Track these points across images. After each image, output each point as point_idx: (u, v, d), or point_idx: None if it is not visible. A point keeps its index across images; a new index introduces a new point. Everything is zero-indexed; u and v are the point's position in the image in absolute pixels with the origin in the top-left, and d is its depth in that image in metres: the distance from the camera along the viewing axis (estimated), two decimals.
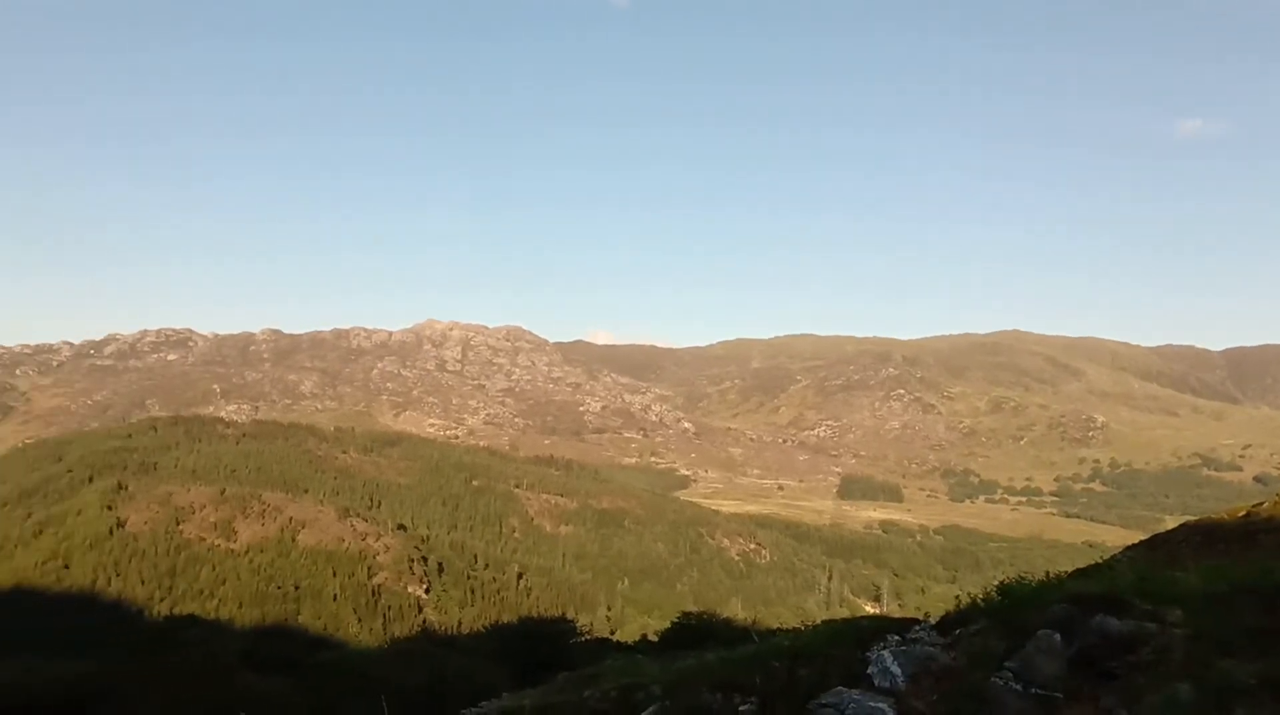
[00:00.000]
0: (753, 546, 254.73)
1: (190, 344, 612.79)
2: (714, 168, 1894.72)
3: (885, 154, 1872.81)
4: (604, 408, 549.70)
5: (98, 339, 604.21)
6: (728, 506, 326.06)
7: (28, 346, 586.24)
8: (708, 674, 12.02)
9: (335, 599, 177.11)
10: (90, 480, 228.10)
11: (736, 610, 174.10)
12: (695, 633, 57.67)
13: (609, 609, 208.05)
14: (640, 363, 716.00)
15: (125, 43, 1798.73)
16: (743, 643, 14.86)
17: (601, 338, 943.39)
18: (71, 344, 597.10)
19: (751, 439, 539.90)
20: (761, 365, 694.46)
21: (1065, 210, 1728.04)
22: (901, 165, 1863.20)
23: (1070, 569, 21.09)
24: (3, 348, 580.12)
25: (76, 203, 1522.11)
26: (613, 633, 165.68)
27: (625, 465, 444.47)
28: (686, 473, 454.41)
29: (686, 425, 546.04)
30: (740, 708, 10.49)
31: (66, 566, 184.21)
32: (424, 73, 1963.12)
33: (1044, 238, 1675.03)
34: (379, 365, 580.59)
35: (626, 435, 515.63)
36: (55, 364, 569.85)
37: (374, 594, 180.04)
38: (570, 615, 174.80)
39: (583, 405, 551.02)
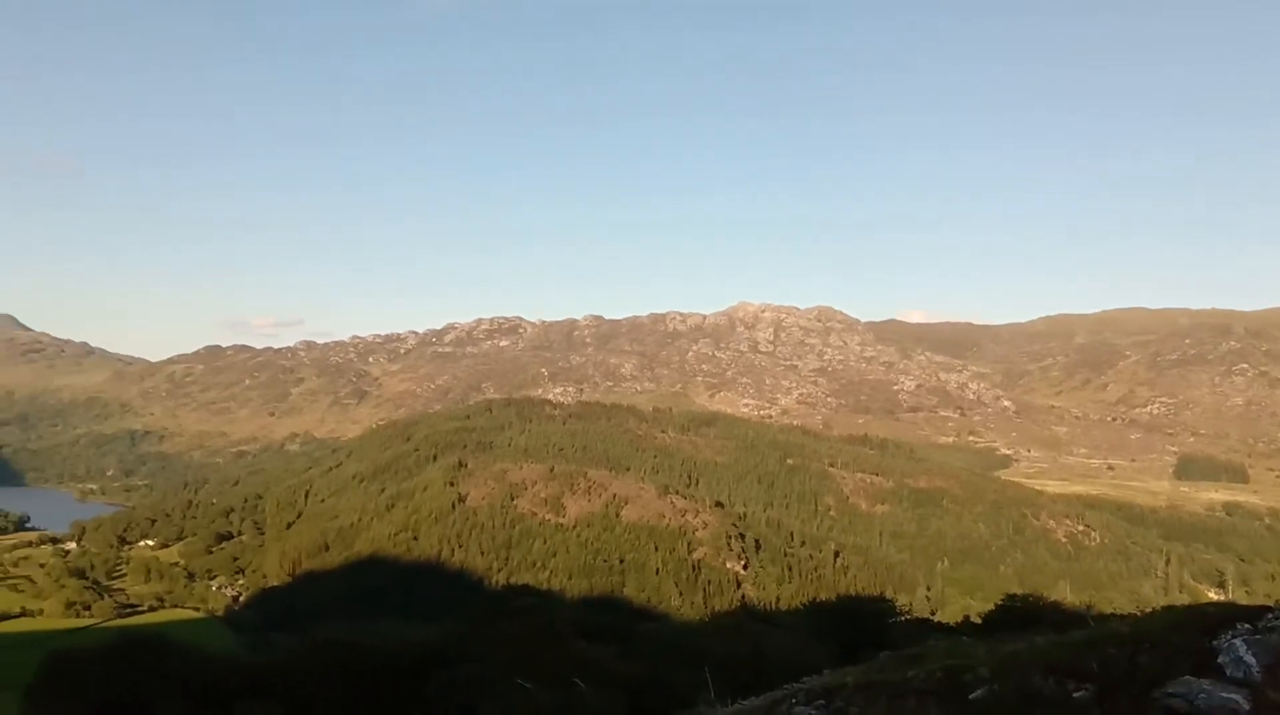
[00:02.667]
0: (1081, 528, 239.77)
1: (520, 331, 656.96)
2: (1030, 145, 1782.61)
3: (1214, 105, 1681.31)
4: (918, 386, 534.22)
5: (439, 328, 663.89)
6: (1053, 487, 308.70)
7: (379, 336, 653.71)
8: (1039, 658, 11.52)
9: (657, 572, 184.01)
10: (435, 458, 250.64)
11: (1065, 594, 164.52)
12: (1022, 616, 54.91)
13: (929, 589, 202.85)
14: (956, 340, 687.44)
15: (457, 45, 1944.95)
16: (1074, 627, 14.11)
17: (915, 316, 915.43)
18: (416, 333, 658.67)
19: (1077, 417, 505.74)
20: (1086, 341, 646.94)
21: None
22: (1235, 117, 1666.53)
23: None
24: (358, 338, 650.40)
25: (415, 201, 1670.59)
26: (933, 613, 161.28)
27: (941, 444, 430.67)
28: (1007, 452, 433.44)
29: (1006, 403, 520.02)
30: (1074, 694, 9.99)
31: (415, 538, 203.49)
32: (740, 58, 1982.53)
33: None
34: (694, 348, 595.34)
35: (942, 414, 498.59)
36: (403, 352, 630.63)
37: (694, 569, 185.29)
38: (888, 594, 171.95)
39: (896, 384, 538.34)
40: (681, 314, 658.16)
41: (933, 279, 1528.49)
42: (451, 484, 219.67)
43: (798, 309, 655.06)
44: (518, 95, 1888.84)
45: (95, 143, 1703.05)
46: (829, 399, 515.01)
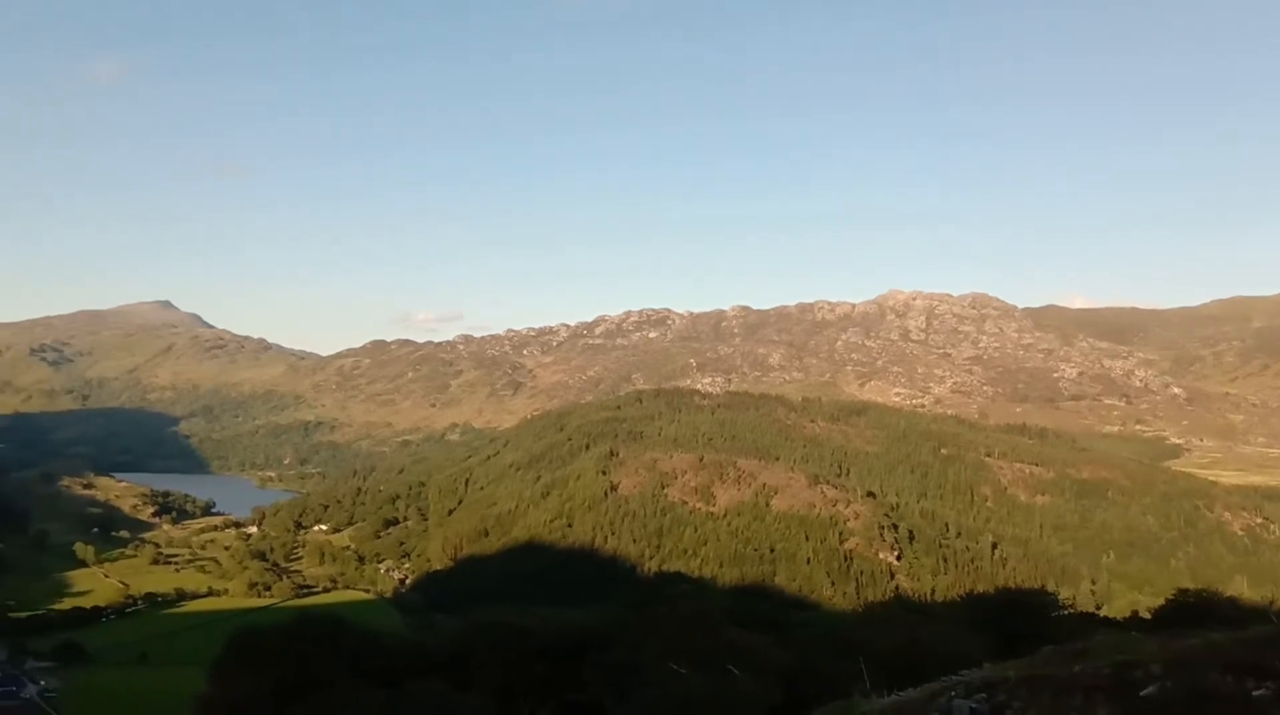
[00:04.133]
0: (1259, 521, 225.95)
1: (669, 322, 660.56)
2: (1197, 129, 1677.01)
3: None
4: (1080, 374, 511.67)
5: (589, 321, 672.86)
6: (1228, 477, 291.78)
7: (533, 330, 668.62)
8: (1216, 655, 11.15)
9: (809, 562, 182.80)
10: (587, 447, 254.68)
11: (1242, 589, 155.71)
12: (1195, 612, 52.25)
13: (1093, 583, 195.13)
14: (1120, 326, 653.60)
15: (604, 41, 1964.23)
16: (1254, 624, 13.52)
17: (1076, 301, 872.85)
18: (568, 326, 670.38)
19: (1254, 404, 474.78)
20: (1264, 324, 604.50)
21: None
22: None
23: None
24: (513, 331, 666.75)
25: (566, 196, 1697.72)
26: (1098, 607, 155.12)
27: (1105, 433, 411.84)
28: (1178, 441, 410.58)
29: (1176, 391, 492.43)
30: (1254, 693, 9.67)
31: (570, 524, 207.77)
32: (873, 49, 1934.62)
33: None
34: (843, 337, 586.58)
35: (1106, 402, 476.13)
36: (555, 344, 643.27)
37: (846, 559, 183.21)
38: (1050, 588, 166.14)
39: (1056, 371, 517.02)
40: (830, 303, 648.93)
41: (1094, 263, 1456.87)
42: (604, 472, 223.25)
43: (951, 296, 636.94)
44: (663, 90, 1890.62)
45: (267, 146, 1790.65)
46: (985, 388, 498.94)
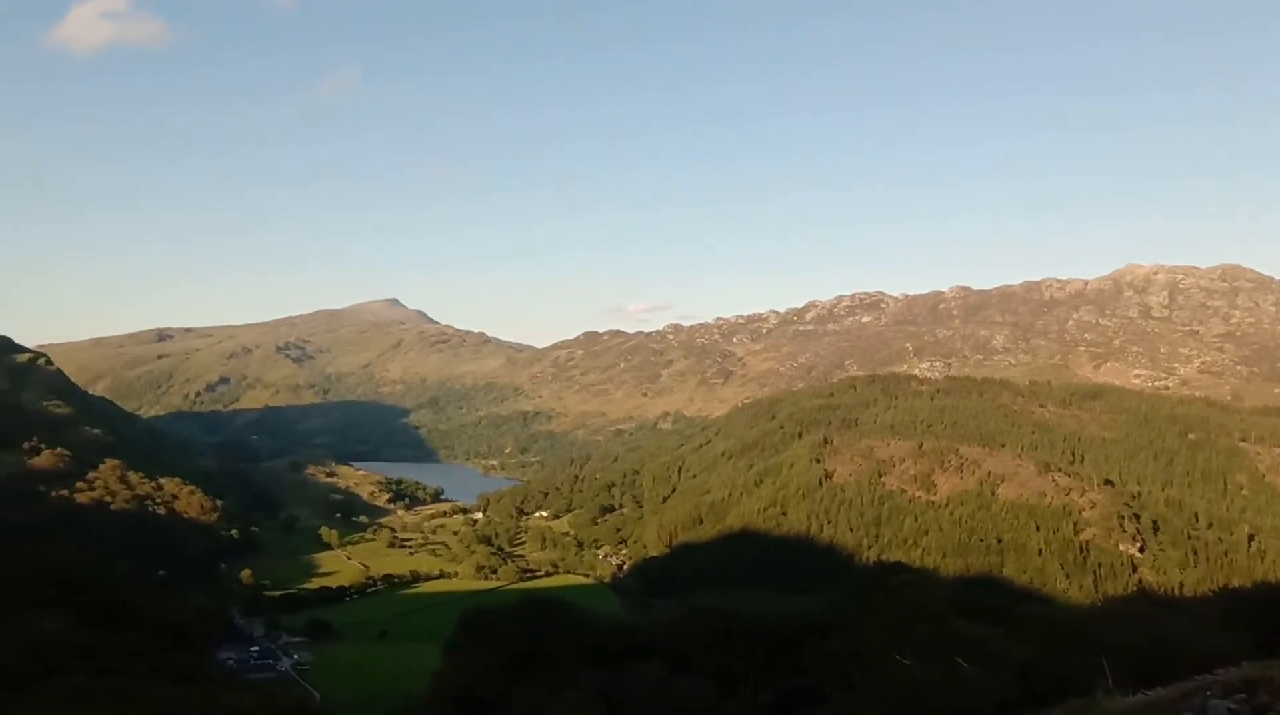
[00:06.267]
0: None
1: (882, 306, 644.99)
2: None
3: None
4: None
5: (799, 307, 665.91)
6: None
7: (741, 317, 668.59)
8: None
9: (1040, 553, 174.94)
10: (800, 435, 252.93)
11: None
12: None
13: None
14: None
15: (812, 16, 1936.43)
16: None
17: None
18: (777, 312, 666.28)
19: None
20: None
21: None
22: None
23: None
24: (722, 319, 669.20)
25: (790, 180, 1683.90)
26: None
27: None
28: None
29: None
30: None
31: (784, 513, 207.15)
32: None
33: None
34: (1074, 316, 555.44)
35: None
36: (765, 331, 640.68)
37: (1081, 550, 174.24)
38: None
39: None
40: (1059, 281, 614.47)
41: None
42: (817, 460, 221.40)
43: (1197, 269, 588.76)
44: (875, 69, 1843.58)
45: (471, 143, 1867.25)
46: (1238, 367, 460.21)
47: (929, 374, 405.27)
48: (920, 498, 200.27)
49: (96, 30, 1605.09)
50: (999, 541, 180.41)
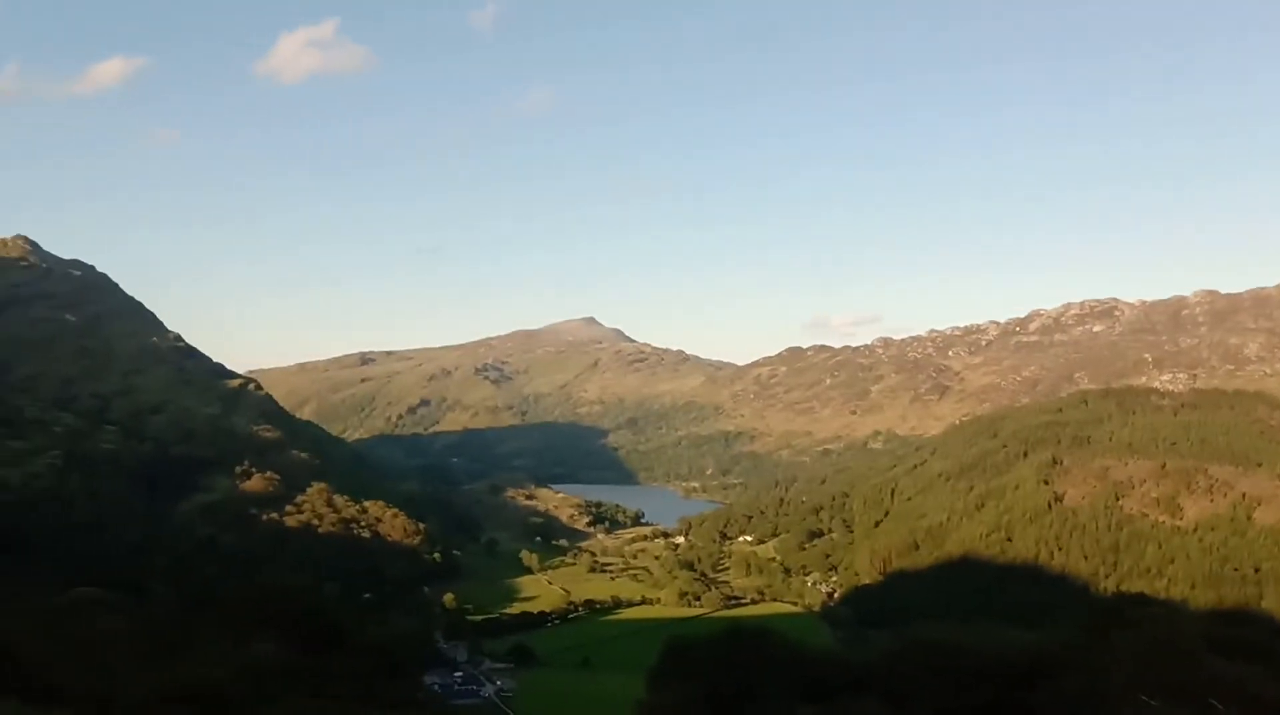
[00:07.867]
0: None
1: (1116, 314, 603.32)
2: None
3: None
4: None
5: (1022, 316, 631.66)
6: None
7: (958, 328, 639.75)
8: None
9: None
10: (1025, 455, 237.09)
11: None
12: None
13: None
14: None
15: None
16: None
17: None
18: (997, 322, 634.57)
19: None
20: None
21: None
22: None
23: None
24: (936, 332, 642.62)
25: (983, 182, 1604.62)
26: None
27: None
28: None
29: None
30: None
31: (1009, 539, 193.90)
32: None
33: None
34: None
35: None
36: (983, 343, 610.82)
37: None
38: None
39: None
40: None
41: None
42: (1046, 482, 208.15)
43: None
44: (1097, 57, 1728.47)
45: (662, 147, 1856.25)
46: None
47: (1171, 387, 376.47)
48: (1164, 523, 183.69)
49: (302, 58, 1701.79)
50: (1256, 571, 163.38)
